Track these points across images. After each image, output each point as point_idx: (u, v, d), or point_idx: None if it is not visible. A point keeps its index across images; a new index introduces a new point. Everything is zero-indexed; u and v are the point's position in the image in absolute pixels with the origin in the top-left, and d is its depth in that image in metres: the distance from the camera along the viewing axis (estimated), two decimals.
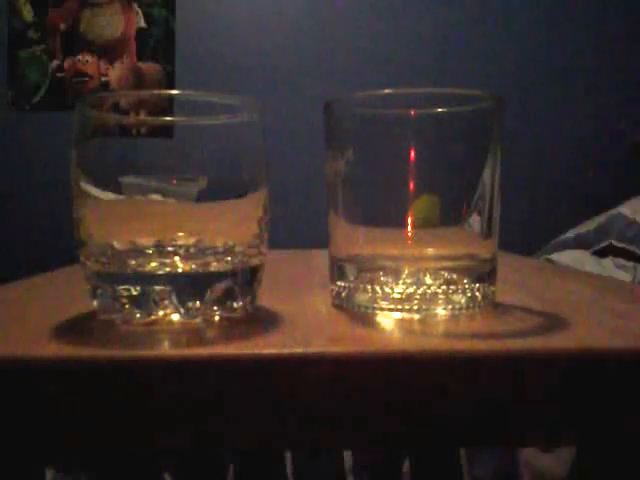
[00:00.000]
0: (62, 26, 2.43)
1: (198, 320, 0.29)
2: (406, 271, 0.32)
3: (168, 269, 0.29)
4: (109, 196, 0.29)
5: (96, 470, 0.65)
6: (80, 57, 2.44)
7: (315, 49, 1.92)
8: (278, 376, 0.24)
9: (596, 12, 2.19)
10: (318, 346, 0.25)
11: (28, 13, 2.42)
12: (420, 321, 0.30)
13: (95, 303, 0.30)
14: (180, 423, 0.24)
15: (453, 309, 0.31)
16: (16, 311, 0.33)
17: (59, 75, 2.44)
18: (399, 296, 0.31)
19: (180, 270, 0.29)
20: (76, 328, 0.29)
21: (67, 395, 0.24)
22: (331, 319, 0.31)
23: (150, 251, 0.29)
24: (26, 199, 2.36)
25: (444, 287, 0.31)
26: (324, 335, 0.27)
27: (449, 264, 0.32)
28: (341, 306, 0.33)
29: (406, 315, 0.31)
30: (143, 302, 0.28)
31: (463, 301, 0.31)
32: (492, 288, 0.33)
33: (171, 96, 0.34)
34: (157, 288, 0.28)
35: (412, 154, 0.31)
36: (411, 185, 0.31)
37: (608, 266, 1.55)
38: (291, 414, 0.24)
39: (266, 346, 0.25)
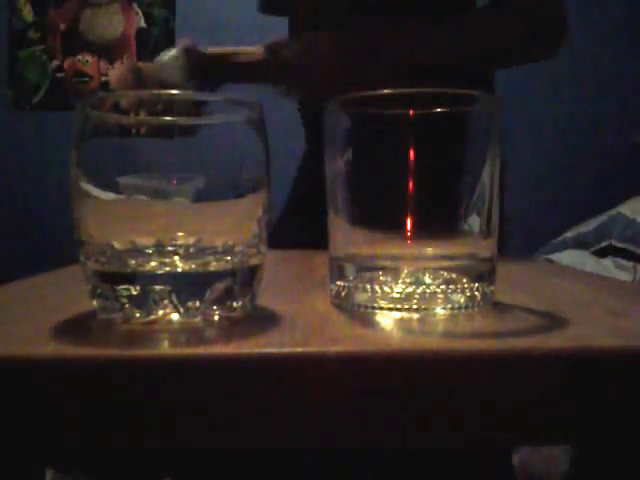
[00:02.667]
0: (62, 26, 2.43)
1: (198, 320, 0.29)
2: (405, 270, 0.32)
3: (168, 269, 0.29)
4: (109, 196, 0.29)
5: (96, 470, 0.65)
6: (80, 57, 2.44)
7: None
8: (278, 375, 0.24)
9: (596, 11, 2.19)
10: (318, 345, 0.25)
11: (28, 13, 2.42)
12: (419, 320, 0.30)
13: (95, 303, 0.30)
14: (180, 423, 0.24)
15: (452, 308, 0.31)
16: (16, 311, 0.33)
17: (59, 75, 2.44)
18: (398, 295, 0.31)
19: (180, 270, 0.29)
20: (76, 328, 0.29)
21: (67, 395, 0.24)
22: (331, 319, 0.31)
23: (150, 251, 0.29)
24: (26, 199, 2.36)
25: (443, 286, 0.31)
26: (324, 335, 0.27)
27: (448, 264, 0.32)
28: (341, 305, 0.33)
29: (405, 314, 0.31)
30: (143, 302, 0.28)
31: (462, 300, 0.31)
32: (491, 288, 0.33)
33: (171, 96, 0.34)
34: (157, 288, 0.28)
35: (412, 154, 0.31)
36: (411, 185, 0.31)
37: (608, 266, 1.55)
38: (291, 414, 0.24)
39: (266, 345, 0.25)
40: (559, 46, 0.75)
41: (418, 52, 0.70)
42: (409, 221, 0.31)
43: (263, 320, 0.31)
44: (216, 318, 0.30)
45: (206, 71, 0.74)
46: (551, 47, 0.75)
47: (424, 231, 0.32)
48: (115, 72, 2.45)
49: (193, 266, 0.29)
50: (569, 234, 1.73)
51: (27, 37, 2.44)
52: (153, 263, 0.29)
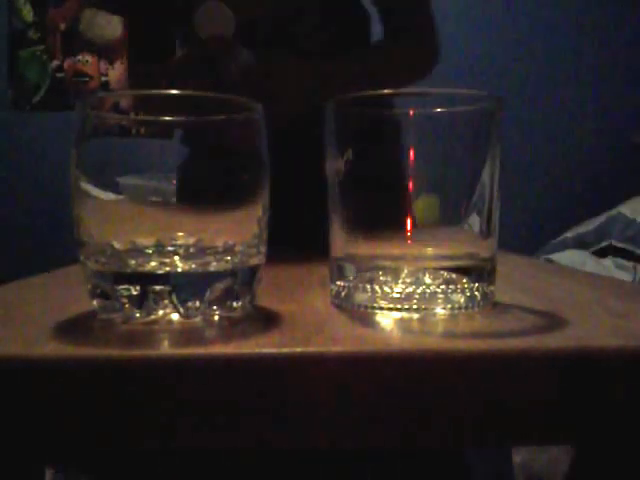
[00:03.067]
0: (62, 26, 2.43)
1: (198, 320, 0.29)
2: (405, 270, 0.32)
3: (168, 269, 0.29)
4: (109, 196, 0.29)
5: (96, 470, 0.65)
6: (80, 57, 2.44)
7: None
8: (277, 376, 0.24)
9: (595, 11, 2.19)
10: (318, 346, 0.25)
11: (28, 13, 2.42)
12: (419, 320, 0.30)
13: (95, 303, 0.30)
14: (179, 423, 0.24)
15: (452, 308, 0.31)
16: (16, 311, 0.33)
17: (59, 75, 2.44)
18: (398, 295, 0.31)
19: (180, 270, 0.29)
20: (76, 328, 0.29)
21: (67, 395, 0.24)
22: (331, 318, 0.31)
23: (150, 251, 0.29)
24: (26, 199, 2.36)
25: (443, 286, 0.31)
26: (324, 335, 0.27)
27: (448, 264, 0.32)
28: (341, 305, 0.33)
29: (405, 314, 0.31)
30: (143, 302, 0.28)
31: (462, 300, 0.31)
32: (491, 287, 0.33)
33: (171, 96, 0.34)
34: (157, 288, 0.28)
35: (412, 154, 0.31)
36: (411, 185, 0.31)
37: (608, 266, 1.55)
38: (291, 414, 0.24)
39: (266, 346, 0.25)
40: (431, 71, 0.88)
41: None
42: (409, 221, 0.31)
43: (263, 320, 0.31)
44: (216, 318, 0.30)
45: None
46: (426, 74, 0.88)
47: (424, 231, 0.32)
48: (115, 72, 2.45)
49: (193, 266, 0.29)
50: (569, 234, 1.73)
51: (27, 37, 2.44)
52: (153, 263, 0.29)
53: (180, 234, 0.30)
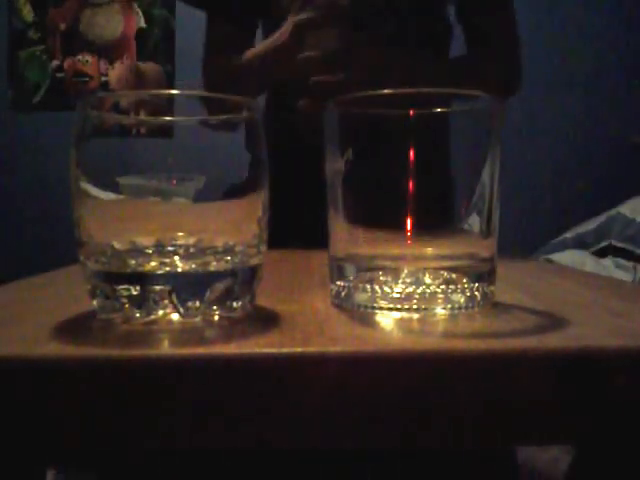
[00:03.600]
0: (62, 26, 2.43)
1: (198, 320, 0.29)
2: (405, 270, 0.32)
3: (168, 269, 0.29)
4: (109, 196, 0.29)
5: (96, 470, 0.65)
6: (80, 57, 2.44)
7: None
8: (278, 375, 0.24)
9: (596, 11, 2.19)
10: (318, 346, 0.25)
11: (28, 13, 2.43)
12: (419, 320, 0.30)
13: (95, 303, 0.30)
14: (179, 423, 0.24)
15: (452, 308, 0.31)
16: (16, 311, 0.33)
17: (59, 75, 2.44)
18: (398, 295, 0.31)
19: (180, 270, 0.29)
20: (76, 328, 0.29)
21: (67, 395, 0.24)
22: (331, 319, 0.31)
23: (150, 251, 0.29)
24: (26, 199, 2.36)
25: (443, 287, 0.31)
26: (324, 335, 0.27)
27: (448, 264, 0.32)
28: (341, 305, 0.33)
29: (405, 314, 0.31)
30: (143, 302, 0.28)
31: (462, 300, 0.31)
32: (491, 288, 0.33)
33: (171, 96, 0.34)
34: (157, 288, 0.28)
35: (412, 154, 0.31)
36: (411, 185, 0.31)
37: (608, 266, 1.55)
38: (291, 414, 0.24)
39: (266, 346, 0.25)
40: (514, 94, 0.89)
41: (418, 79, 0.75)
42: (409, 221, 0.31)
43: (263, 320, 0.31)
44: (216, 318, 0.30)
45: None
46: (509, 95, 0.89)
47: (424, 231, 0.32)
48: (115, 72, 2.45)
49: (193, 266, 0.29)
50: (569, 234, 1.73)
51: (27, 37, 2.44)
52: (153, 263, 0.29)
53: (180, 234, 0.30)
